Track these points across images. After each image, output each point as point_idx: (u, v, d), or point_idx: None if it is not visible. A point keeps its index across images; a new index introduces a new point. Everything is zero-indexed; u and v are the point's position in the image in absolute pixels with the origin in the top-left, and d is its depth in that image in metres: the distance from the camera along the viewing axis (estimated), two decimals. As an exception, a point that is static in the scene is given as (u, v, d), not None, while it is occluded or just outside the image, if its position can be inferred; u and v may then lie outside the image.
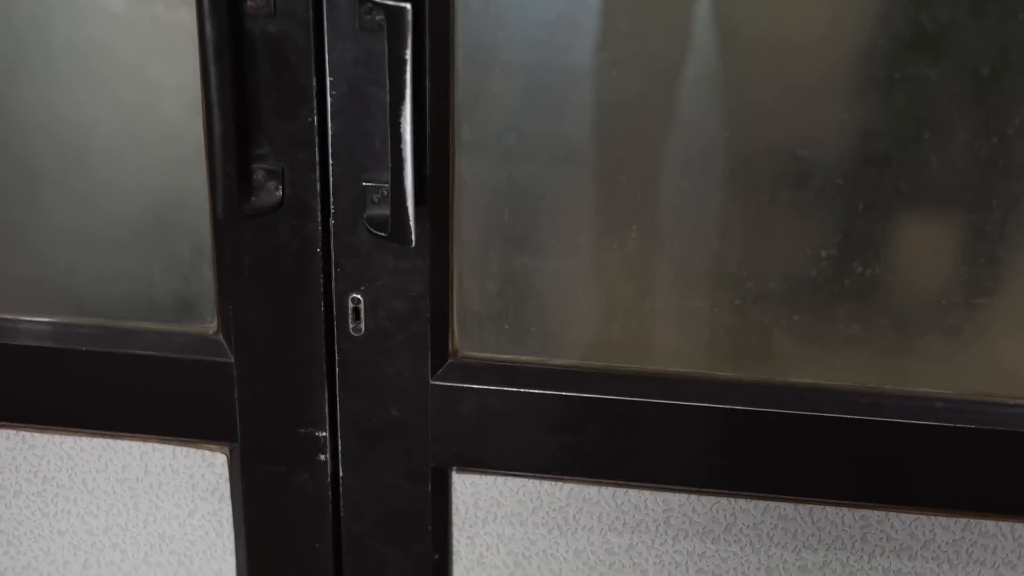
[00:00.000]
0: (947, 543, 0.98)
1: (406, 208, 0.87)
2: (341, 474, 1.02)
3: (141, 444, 1.06)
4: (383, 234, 0.90)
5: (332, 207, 0.92)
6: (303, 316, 0.96)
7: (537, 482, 1.01)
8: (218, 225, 0.95)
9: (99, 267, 1.00)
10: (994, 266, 0.89)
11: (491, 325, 0.96)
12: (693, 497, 1.00)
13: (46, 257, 1.00)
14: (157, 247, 0.98)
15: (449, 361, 0.98)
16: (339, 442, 1.01)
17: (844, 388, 0.94)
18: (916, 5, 0.82)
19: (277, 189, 0.92)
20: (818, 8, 0.83)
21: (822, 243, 0.90)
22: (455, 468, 1.02)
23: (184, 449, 1.06)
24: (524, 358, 0.97)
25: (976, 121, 0.84)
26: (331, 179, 0.91)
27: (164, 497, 1.08)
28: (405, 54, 0.82)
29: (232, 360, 0.99)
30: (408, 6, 0.81)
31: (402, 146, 0.85)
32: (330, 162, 0.91)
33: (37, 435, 1.08)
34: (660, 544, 1.02)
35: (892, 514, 0.98)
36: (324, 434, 1.01)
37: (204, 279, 0.98)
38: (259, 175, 0.92)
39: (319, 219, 0.93)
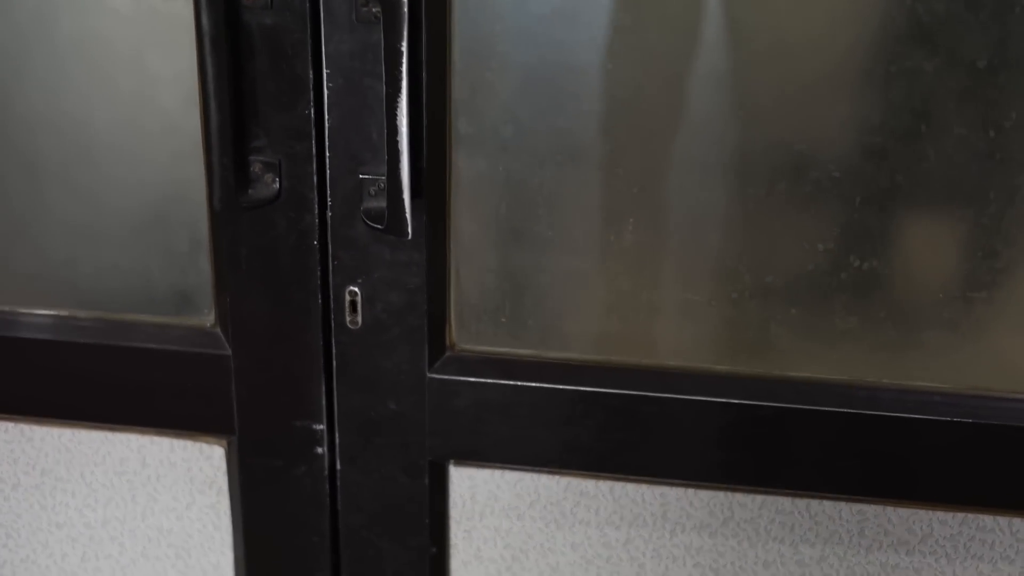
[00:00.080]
0: (945, 538, 0.98)
1: (403, 201, 0.87)
2: (338, 467, 1.02)
3: (139, 437, 1.06)
4: (380, 227, 0.90)
5: (329, 199, 0.92)
6: (300, 309, 0.96)
7: (534, 476, 1.01)
8: (215, 217, 0.95)
9: (97, 260, 1.00)
10: (991, 260, 0.88)
11: (488, 318, 0.96)
12: (690, 491, 1.00)
13: (43, 250, 1.01)
14: (154, 240, 0.98)
15: (446, 354, 0.98)
16: (336, 435, 1.01)
17: (842, 382, 0.94)
18: (914, -2, 0.82)
19: (274, 181, 0.92)
20: (814, 2, 0.83)
21: (820, 237, 0.90)
22: (452, 461, 1.02)
23: (182, 442, 1.06)
24: (521, 351, 0.97)
25: (973, 114, 0.84)
26: (328, 171, 0.91)
27: (162, 490, 1.09)
28: (401, 46, 0.82)
29: (230, 353, 0.99)
30: (404, -2, 0.81)
31: (398, 138, 0.85)
32: (327, 154, 0.91)
33: (35, 427, 1.08)
34: (657, 538, 1.02)
35: (890, 508, 0.98)
36: (321, 427, 1.01)
37: (201, 271, 0.98)
38: (256, 167, 0.92)
39: (316, 211, 0.93)
